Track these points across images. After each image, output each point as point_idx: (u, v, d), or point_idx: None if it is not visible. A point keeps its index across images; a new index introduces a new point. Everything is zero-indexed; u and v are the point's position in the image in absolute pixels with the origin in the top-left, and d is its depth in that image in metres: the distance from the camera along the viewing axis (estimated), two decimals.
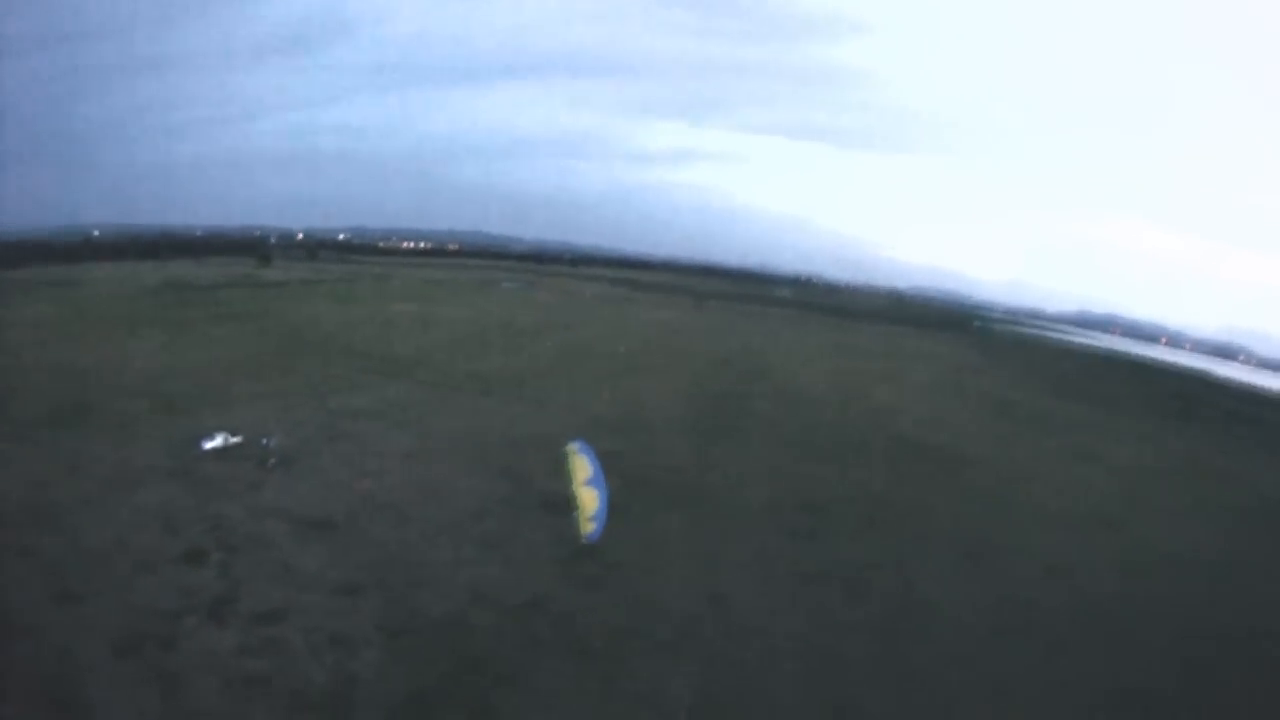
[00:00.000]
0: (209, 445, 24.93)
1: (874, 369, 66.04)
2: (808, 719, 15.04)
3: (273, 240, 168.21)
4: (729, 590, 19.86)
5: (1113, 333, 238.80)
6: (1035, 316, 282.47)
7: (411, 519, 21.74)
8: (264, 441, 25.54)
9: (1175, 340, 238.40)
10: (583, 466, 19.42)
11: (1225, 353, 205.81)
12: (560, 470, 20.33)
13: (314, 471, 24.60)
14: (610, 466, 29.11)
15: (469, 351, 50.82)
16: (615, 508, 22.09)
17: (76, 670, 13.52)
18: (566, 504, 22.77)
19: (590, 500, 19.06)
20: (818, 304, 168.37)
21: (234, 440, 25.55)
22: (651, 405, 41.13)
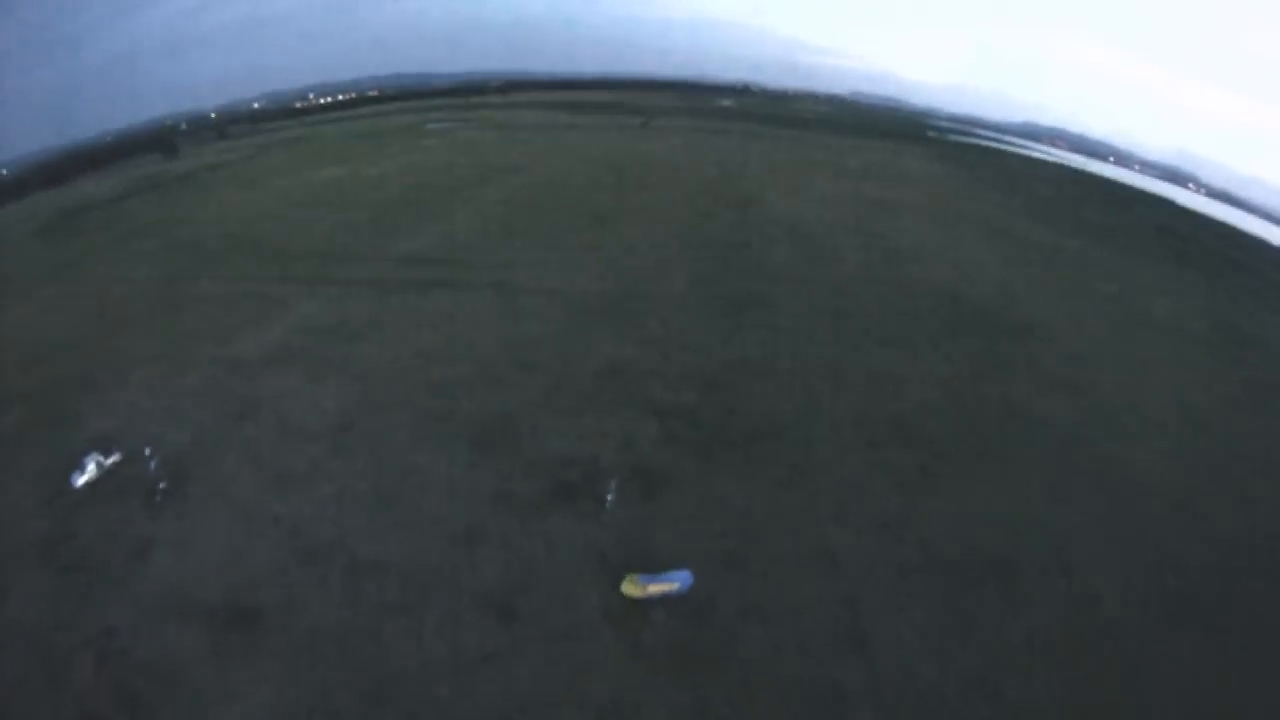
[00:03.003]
0: (81, 480, 17.21)
1: (863, 193, 59.09)
2: None
3: (183, 126, 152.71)
4: (870, 626, 14.08)
5: (1059, 146, 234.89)
6: (981, 124, 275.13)
7: (365, 569, 14.20)
8: (147, 454, 16.59)
9: (1123, 159, 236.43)
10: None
11: (1175, 178, 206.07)
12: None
13: (215, 493, 16.86)
14: (627, 393, 21.10)
15: (402, 222, 40.43)
16: (663, 478, 16.72)
17: None
18: (597, 480, 16.23)
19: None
20: (766, 114, 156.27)
21: (110, 461, 17.32)
22: (646, 269, 32.85)
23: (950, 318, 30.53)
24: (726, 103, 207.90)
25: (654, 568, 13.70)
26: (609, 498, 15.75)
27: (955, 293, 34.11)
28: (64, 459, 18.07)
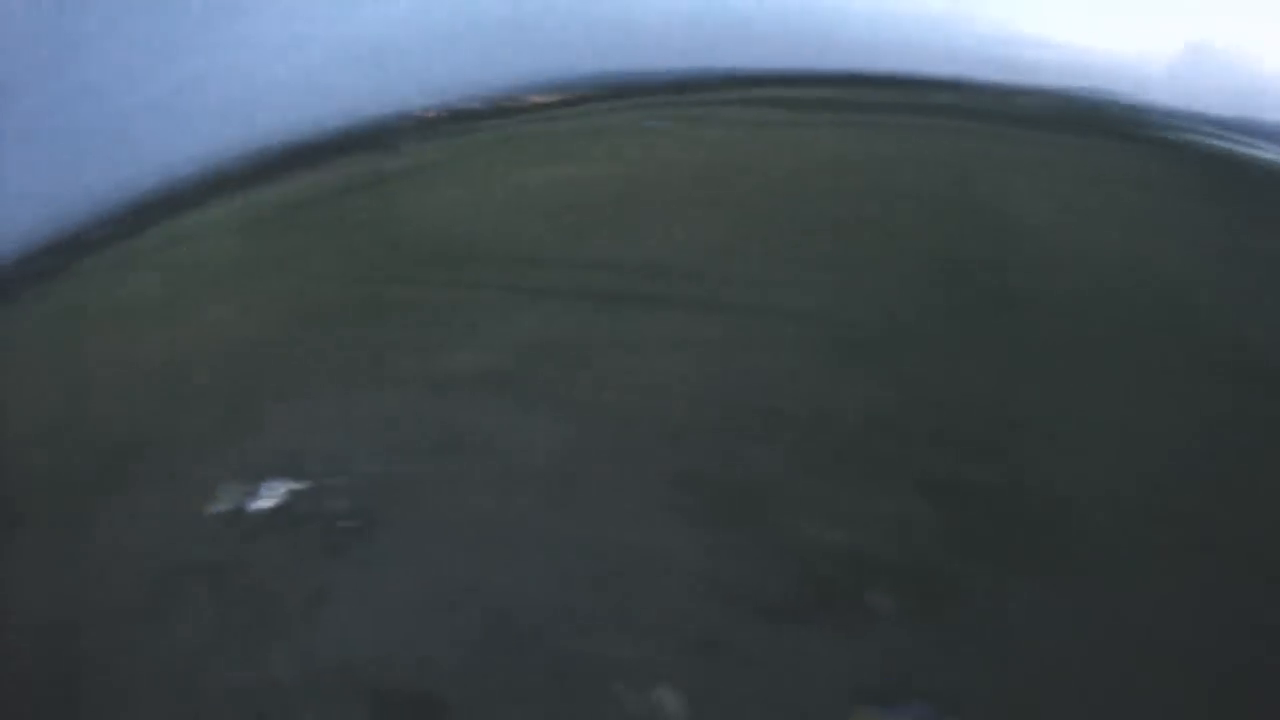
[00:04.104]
0: (261, 504, 12.47)
1: (1112, 204, 37.04)
2: None
3: (400, 124, 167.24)
4: None
5: None
6: (1200, 119, 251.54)
7: (574, 671, 9.04)
8: (335, 484, 12.99)
9: None
10: None
11: None
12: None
13: (406, 541, 10.98)
14: (894, 459, 14.68)
15: (623, 228, 35.76)
16: (942, 584, 9.91)
17: None
18: (863, 581, 10.34)
19: None
20: (983, 111, 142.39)
21: (294, 487, 12.95)
22: (895, 292, 23.88)
23: (1255, 385, 23.36)
24: (942, 98, 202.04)
25: (922, 703, 8.72)
26: (878, 607, 10.93)
27: (1257, 355, 26.63)
28: (247, 476, 14.99)
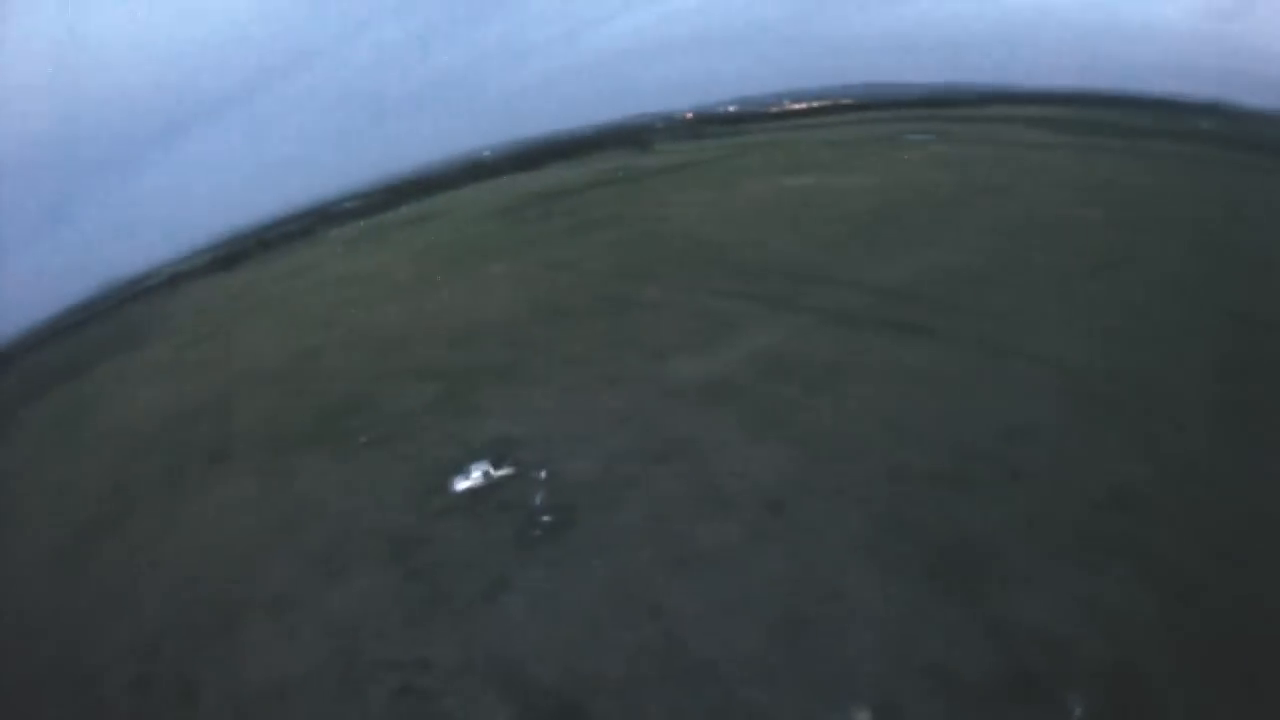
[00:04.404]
0: (462, 485, 15.82)
1: None
2: None
3: (658, 125, 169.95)
4: None
5: None
6: None
7: (733, 716, 10.29)
8: (541, 477, 15.56)
9: None
10: None
11: None
12: None
13: (600, 548, 13.96)
14: (1129, 542, 13.49)
15: (876, 246, 35.07)
16: (1144, 696, 11.29)
17: None
18: (1066, 675, 11.58)
19: None
20: (1246, 139, 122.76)
21: (499, 474, 16.00)
22: (1156, 343, 22.63)
23: None
24: (1205, 124, 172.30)
25: None
26: (1070, 707, 10.22)
27: None
28: (454, 454, 17.17)
